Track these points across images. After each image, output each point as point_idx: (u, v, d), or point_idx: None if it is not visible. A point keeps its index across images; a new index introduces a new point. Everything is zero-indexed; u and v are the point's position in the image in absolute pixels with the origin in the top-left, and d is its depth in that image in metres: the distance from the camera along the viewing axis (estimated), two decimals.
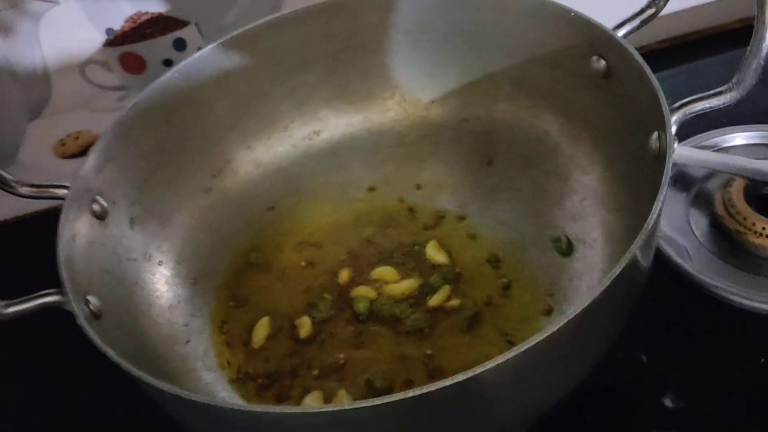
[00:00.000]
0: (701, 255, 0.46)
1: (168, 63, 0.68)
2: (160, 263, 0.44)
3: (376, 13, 0.48)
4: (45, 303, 0.33)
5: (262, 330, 0.42)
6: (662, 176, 0.32)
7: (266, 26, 0.47)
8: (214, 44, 0.46)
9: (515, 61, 0.47)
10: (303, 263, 0.46)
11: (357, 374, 0.40)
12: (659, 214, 0.31)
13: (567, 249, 0.43)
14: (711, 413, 0.40)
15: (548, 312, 0.40)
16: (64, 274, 0.34)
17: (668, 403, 0.40)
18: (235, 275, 0.46)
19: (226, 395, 0.40)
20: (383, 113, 0.51)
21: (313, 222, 0.48)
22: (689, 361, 0.42)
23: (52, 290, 0.33)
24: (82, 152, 0.71)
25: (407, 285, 0.43)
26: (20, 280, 0.35)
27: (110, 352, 0.30)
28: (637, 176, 0.39)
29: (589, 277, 0.41)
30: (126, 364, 0.30)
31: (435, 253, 0.45)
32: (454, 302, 0.42)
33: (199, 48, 0.47)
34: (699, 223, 0.48)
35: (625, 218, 0.40)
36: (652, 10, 0.41)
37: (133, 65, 0.68)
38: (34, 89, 0.69)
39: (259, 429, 0.29)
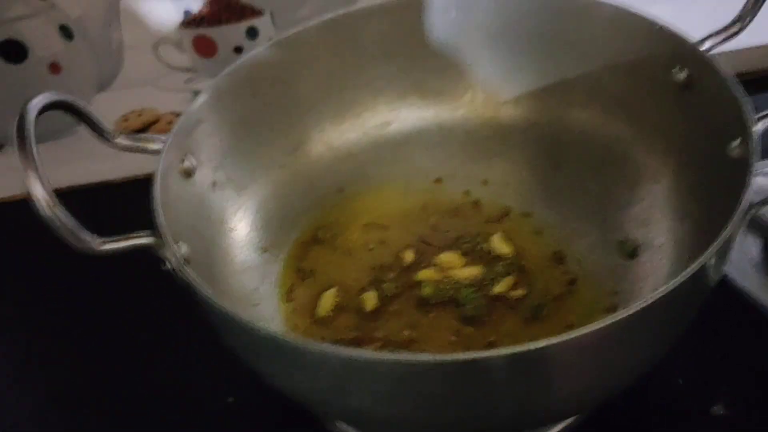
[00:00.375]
0: (755, 276, 0.47)
1: (239, 50, 0.70)
2: (234, 228, 0.45)
3: (460, 12, 0.50)
4: (139, 244, 0.34)
5: (328, 300, 0.44)
6: (745, 178, 0.33)
7: (357, 15, 0.49)
8: (308, 25, 0.48)
9: (592, 68, 0.48)
10: (369, 243, 0.47)
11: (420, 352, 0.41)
12: (740, 218, 0.32)
13: (632, 252, 0.43)
14: (759, 427, 0.40)
15: (612, 309, 0.41)
16: (160, 217, 0.35)
17: (715, 413, 0.41)
18: (303, 248, 0.47)
19: None
20: (454, 110, 0.52)
21: (379, 207, 0.49)
22: (739, 373, 0.43)
23: (146, 231, 0.34)
24: (144, 129, 0.72)
25: (471, 271, 0.44)
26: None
27: (207, 292, 0.31)
28: (710, 186, 0.40)
29: (654, 279, 0.41)
30: (221, 304, 0.31)
31: (500, 244, 0.46)
32: (519, 292, 0.43)
33: (270, 38, 0.48)
34: (752, 246, 0.49)
35: (695, 226, 0.41)
36: (736, 28, 0.42)
37: (205, 49, 0.70)
38: (106, 61, 0.71)
39: (344, 374, 0.30)
